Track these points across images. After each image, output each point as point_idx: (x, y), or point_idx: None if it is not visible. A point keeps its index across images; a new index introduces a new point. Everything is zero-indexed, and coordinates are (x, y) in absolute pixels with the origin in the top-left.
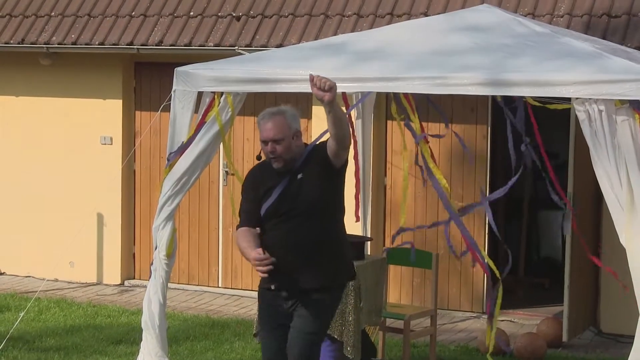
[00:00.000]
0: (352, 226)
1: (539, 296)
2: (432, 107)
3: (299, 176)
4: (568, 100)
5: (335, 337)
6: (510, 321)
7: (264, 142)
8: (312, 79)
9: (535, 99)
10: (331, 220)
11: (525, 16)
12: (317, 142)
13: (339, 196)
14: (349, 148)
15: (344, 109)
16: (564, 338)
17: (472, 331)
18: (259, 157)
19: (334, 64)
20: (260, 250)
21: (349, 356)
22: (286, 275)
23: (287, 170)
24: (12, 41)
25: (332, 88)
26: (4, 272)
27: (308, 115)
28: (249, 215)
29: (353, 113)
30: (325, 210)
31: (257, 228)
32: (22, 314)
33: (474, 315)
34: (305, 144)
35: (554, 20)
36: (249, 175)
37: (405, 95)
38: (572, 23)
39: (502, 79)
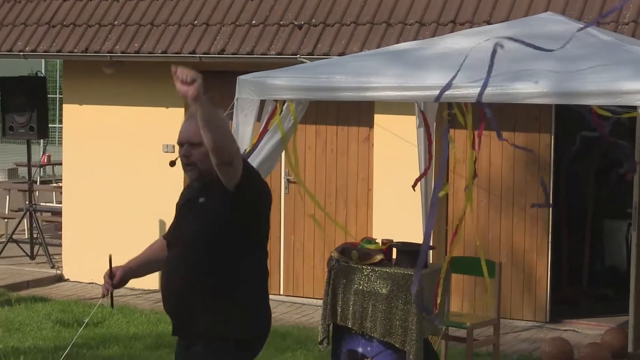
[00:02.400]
0: (414, 235)
1: (603, 306)
2: (489, 119)
3: (201, 200)
4: (634, 108)
5: (397, 346)
6: (574, 331)
7: (180, 144)
8: (174, 71)
9: (601, 107)
10: (223, 256)
11: (590, 23)
12: None
13: (239, 230)
14: (231, 164)
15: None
16: (629, 349)
17: (534, 341)
18: (172, 163)
19: (396, 72)
20: (114, 272)
21: None
22: (172, 316)
23: (202, 187)
24: (75, 50)
25: (194, 80)
26: (67, 279)
27: (370, 124)
28: (167, 234)
29: (415, 121)
30: (214, 244)
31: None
32: (85, 320)
33: (537, 324)
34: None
35: (619, 28)
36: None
37: (465, 104)
38: (637, 31)
39: (569, 89)
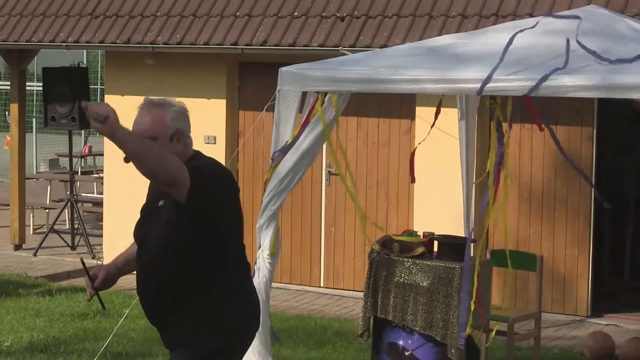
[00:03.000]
0: (456, 227)
1: None
2: (528, 110)
3: (160, 203)
4: None
5: (438, 339)
6: (616, 325)
7: None
8: (85, 107)
9: None
10: (188, 264)
11: (634, 17)
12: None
13: (201, 236)
14: (175, 183)
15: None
16: None
17: (575, 335)
18: (126, 160)
19: (437, 64)
20: (95, 274)
21: (452, 358)
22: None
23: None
24: (118, 41)
25: (107, 117)
26: None
27: (411, 116)
28: None
29: (456, 114)
30: (177, 253)
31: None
32: (127, 311)
33: (578, 318)
34: (200, 155)
35: None
36: None
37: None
38: None
39: (614, 82)
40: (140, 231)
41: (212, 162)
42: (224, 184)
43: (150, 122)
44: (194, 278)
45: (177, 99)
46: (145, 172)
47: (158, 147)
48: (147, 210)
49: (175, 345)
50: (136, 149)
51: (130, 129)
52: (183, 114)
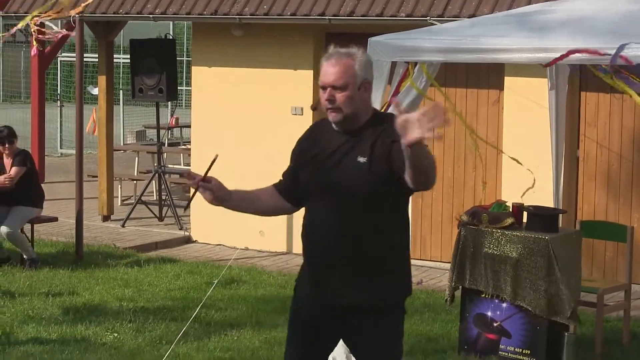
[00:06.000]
0: (545, 198)
1: None
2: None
3: (360, 159)
4: None
5: (529, 309)
6: None
7: (323, 87)
8: (434, 110)
9: None
10: (382, 211)
11: None
12: (389, 127)
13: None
14: (427, 189)
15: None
16: None
17: None
18: (313, 107)
19: (527, 34)
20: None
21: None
22: (320, 281)
23: (346, 132)
24: (205, 12)
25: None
26: (195, 240)
27: (500, 87)
28: (280, 184)
29: (547, 84)
30: (369, 196)
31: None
32: (215, 282)
33: None
34: (375, 110)
35: None
36: (302, 136)
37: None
38: None
39: None
40: (321, 178)
41: None
42: None
43: (340, 72)
44: (383, 232)
45: (265, 70)
46: (425, 182)
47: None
48: (334, 160)
49: (356, 310)
50: (431, 162)
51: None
52: (369, 64)
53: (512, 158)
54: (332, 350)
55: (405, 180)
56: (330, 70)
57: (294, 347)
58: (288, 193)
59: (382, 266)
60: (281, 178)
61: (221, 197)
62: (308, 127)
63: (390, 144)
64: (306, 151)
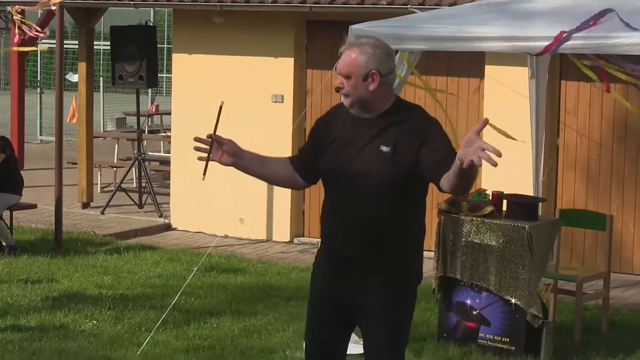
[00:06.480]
0: (524, 186)
1: None
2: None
3: (383, 148)
4: None
5: (508, 298)
6: None
7: (338, 73)
8: (484, 149)
9: None
10: (401, 198)
11: None
12: (420, 118)
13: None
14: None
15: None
16: None
17: None
18: (338, 89)
19: (507, 22)
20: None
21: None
22: (340, 260)
23: (364, 118)
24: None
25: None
26: (175, 228)
27: (480, 75)
28: (295, 158)
29: (527, 73)
30: (390, 184)
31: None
32: (194, 269)
33: None
34: (398, 98)
35: None
36: (322, 117)
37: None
38: None
39: None
40: (339, 161)
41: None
42: None
43: (344, 62)
44: (402, 217)
45: (246, 57)
46: (463, 191)
47: None
48: (357, 147)
49: (372, 290)
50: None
51: None
52: (381, 55)
53: (499, 131)
54: (351, 332)
55: (437, 183)
56: (344, 59)
57: (313, 330)
58: (302, 168)
59: (399, 252)
60: (297, 153)
61: (234, 151)
62: (329, 109)
63: (420, 142)
64: (326, 133)
